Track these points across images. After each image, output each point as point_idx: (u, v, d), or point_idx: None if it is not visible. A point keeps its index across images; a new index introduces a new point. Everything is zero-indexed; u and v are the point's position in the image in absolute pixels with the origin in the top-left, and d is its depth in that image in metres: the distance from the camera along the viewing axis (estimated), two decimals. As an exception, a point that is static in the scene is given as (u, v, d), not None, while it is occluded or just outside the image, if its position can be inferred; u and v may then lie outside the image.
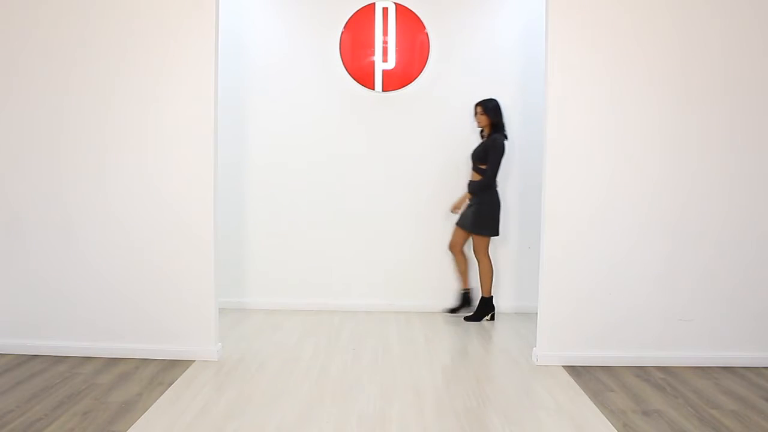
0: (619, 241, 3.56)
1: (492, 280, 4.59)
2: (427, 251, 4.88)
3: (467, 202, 4.57)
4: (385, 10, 4.76)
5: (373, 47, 4.77)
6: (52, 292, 3.61)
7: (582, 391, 3.18)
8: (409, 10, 4.75)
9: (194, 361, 3.53)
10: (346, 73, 4.78)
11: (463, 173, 4.74)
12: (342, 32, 4.77)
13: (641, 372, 3.47)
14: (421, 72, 4.77)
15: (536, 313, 3.68)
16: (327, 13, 4.79)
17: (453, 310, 4.77)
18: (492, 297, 4.62)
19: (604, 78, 3.51)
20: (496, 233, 4.54)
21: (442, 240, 4.82)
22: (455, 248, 4.67)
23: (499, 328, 4.41)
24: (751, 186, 3.56)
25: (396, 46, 4.76)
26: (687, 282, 3.57)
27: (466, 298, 4.75)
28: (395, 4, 4.75)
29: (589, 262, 3.56)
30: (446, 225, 4.82)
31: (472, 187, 4.54)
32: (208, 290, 3.56)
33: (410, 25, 4.76)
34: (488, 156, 4.45)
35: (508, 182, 4.79)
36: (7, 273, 3.62)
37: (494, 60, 4.77)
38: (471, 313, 4.64)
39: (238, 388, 3.19)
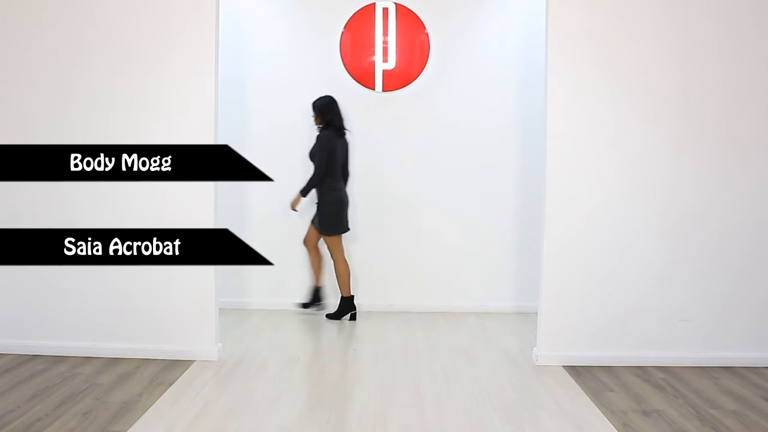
0: (620, 241, 3.56)
1: (349, 280, 4.51)
2: (427, 250, 4.87)
3: (301, 200, 4.41)
4: (385, 11, 4.75)
5: (374, 47, 4.77)
6: (52, 292, 3.61)
7: (582, 391, 3.18)
8: (410, 10, 4.74)
9: (194, 361, 3.53)
10: (346, 73, 4.78)
11: (461, 173, 4.75)
12: (342, 32, 4.77)
13: (641, 372, 3.47)
14: (421, 72, 4.76)
15: (536, 313, 3.69)
16: (327, 13, 4.78)
17: (304, 305, 4.68)
18: (352, 297, 4.54)
19: (604, 78, 3.51)
20: (343, 230, 4.46)
21: (442, 239, 4.82)
22: (308, 244, 4.59)
23: (499, 328, 4.41)
24: (751, 185, 3.55)
25: (396, 47, 4.75)
26: (687, 282, 3.57)
27: (316, 295, 4.67)
28: (395, 4, 4.74)
29: (590, 262, 3.57)
30: (444, 224, 4.82)
31: (303, 187, 4.39)
32: (209, 290, 3.57)
33: (410, 26, 4.76)
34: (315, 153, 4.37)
35: (507, 183, 4.80)
36: (8, 273, 3.62)
37: (494, 60, 4.77)
38: (329, 312, 4.60)
39: (238, 388, 3.19)
